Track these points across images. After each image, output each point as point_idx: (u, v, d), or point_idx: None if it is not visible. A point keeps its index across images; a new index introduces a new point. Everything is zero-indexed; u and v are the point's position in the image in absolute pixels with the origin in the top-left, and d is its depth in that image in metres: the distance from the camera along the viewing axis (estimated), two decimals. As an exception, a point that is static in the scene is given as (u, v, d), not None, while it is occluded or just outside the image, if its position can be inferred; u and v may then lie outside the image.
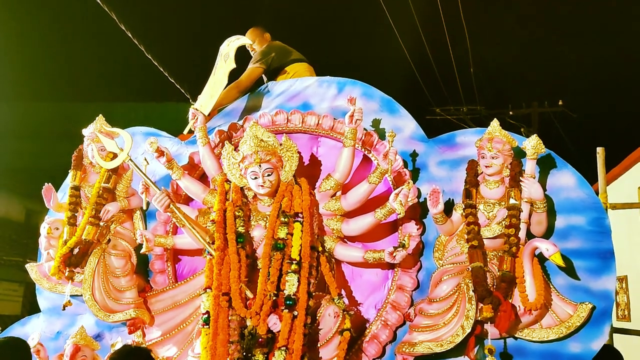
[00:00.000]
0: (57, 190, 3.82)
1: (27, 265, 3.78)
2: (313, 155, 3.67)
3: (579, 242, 3.23)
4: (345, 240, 3.41)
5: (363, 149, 3.55)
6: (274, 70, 4.02)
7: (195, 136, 3.57)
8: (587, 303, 3.10)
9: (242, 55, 3.73)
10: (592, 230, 3.23)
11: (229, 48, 3.71)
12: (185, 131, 3.75)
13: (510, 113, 12.26)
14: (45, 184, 3.68)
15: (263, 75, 4.02)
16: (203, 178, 3.65)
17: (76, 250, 3.47)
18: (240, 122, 3.75)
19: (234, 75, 3.78)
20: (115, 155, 3.34)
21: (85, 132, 3.64)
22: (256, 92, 3.90)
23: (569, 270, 3.18)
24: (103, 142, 3.35)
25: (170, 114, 4.58)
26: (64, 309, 3.44)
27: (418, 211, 3.41)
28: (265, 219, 3.27)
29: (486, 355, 3.02)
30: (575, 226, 3.25)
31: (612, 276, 3.18)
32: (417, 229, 3.35)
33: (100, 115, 3.66)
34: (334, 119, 3.61)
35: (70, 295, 3.50)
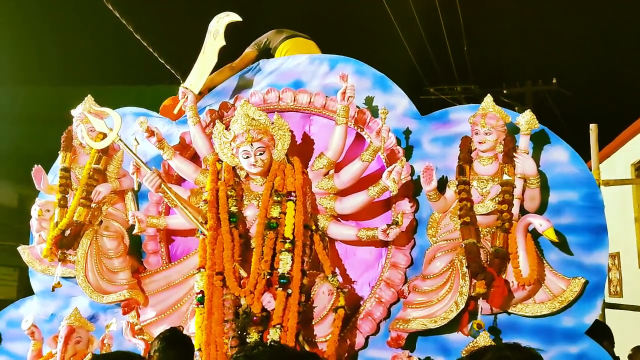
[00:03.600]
0: (47, 172, 3.79)
1: (19, 248, 3.76)
2: (305, 134, 3.66)
3: (572, 218, 3.24)
4: (338, 218, 3.41)
5: (356, 127, 3.54)
6: (268, 53, 4.01)
7: (186, 116, 3.56)
8: (580, 278, 3.12)
9: (233, 33, 3.69)
10: (585, 205, 3.24)
11: (218, 25, 3.68)
12: (175, 110, 3.71)
13: (505, 92, 12.24)
14: (35, 165, 3.65)
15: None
16: (195, 158, 3.63)
17: (68, 232, 3.46)
18: (232, 101, 3.72)
19: (224, 55, 3.75)
20: (105, 136, 3.32)
21: (74, 112, 3.61)
22: (247, 70, 3.88)
23: (562, 245, 3.19)
24: (92, 122, 3.33)
25: (162, 95, 4.54)
26: (53, 290, 3.45)
27: (411, 188, 3.41)
28: (257, 198, 3.28)
29: (478, 330, 3.05)
30: (569, 202, 3.25)
31: (605, 251, 3.20)
32: (411, 207, 3.36)
33: (89, 95, 3.63)
34: (326, 96, 3.59)
35: (64, 277, 3.50)
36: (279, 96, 3.64)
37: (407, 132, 3.53)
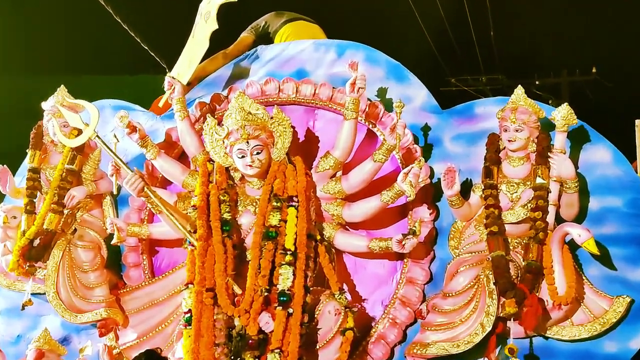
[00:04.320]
0: (14, 174, 3.82)
1: (-20, 260, 3.77)
2: (309, 130, 3.67)
3: (616, 227, 3.23)
4: (347, 227, 3.43)
5: (367, 122, 3.55)
6: (267, 38, 4.06)
7: (172, 109, 3.56)
8: (624, 296, 3.10)
9: (226, 15, 3.70)
10: (630, 212, 3.23)
11: (209, 6, 3.69)
12: (161, 103, 3.73)
13: (537, 83, 12.19)
14: (0, 165, 3.67)
15: None
16: (182, 158, 3.65)
17: (37, 242, 3.48)
18: (225, 93, 3.73)
19: (216, 40, 3.77)
20: (80, 132, 3.31)
21: (45, 105, 3.62)
22: (243, 58, 3.90)
23: (604, 259, 3.18)
24: (66, 116, 3.33)
25: (145, 86, 4.56)
26: (23, 309, 3.46)
27: (431, 193, 3.43)
28: (254, 203, 3.28)
29: (508, 356, 3.04)
30: (611, 208, 3.25)
31: (654, 266, 3.20)
32: (430, 214, 3.37)
33: (62, 86, 3.65)
34: (333, 87, 3.60)
35: (31, 294, 3.50)
36: (279, 87, 3.65)
37: (426, 129, 3.54)
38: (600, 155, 3.31)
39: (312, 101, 3.64)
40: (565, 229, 3.10)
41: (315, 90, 3.62)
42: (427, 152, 3.49)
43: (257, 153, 3.22)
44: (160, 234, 3.51)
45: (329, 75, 3.69)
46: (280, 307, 3.05)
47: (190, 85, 3.78)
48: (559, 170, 3.17)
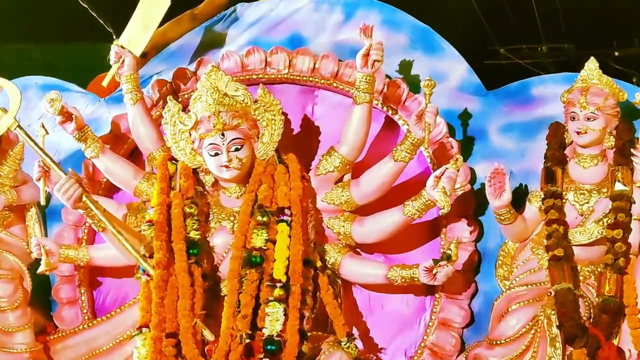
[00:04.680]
0: None
1: None
2: (307, 118, 3.68)
3: None
4: (358, 250, 3.44)
5: (385, 108, 3.55)
6: None
7: (120, 90, 3.57)
8: None
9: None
10: None
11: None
12: (105, 82, 3.70)
13: (616, 54, 12.13)
14: None
15: None
16: (134, 155, 3.68)
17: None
18: (192, 67, 3.74)
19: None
20: (-6, 120, 3.32)
21: (-53, 85, 3.62)
22: (217, 20, 3.91)
23: None
24: (-27, 99, 3.34)
25: (84, 59, 4.54)
26: None
27: (471, 204, 3.45)
28: (232, 218, 3.29)
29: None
30: None
31: None
32: (470, 232, 3.40)
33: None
34: (339, 60, 3.61)
35: None
36: (266, 59, 3.65)
37: (466, 116, 3.56)
38: None
39: (311, 79, 3.64)
40: (655, 254, 3.13)
41: (315, 63, 3.62)
42: (466, 147, 3.50)
43: (236, 149, 3.22)
44: (104, 260, 3.52)
45: (333, 44, 3.69)
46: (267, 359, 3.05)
47: (145, 57, 3.81)
48: (646, 172, 3.19)
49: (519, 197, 3.38)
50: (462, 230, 3.38)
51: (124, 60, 3.50)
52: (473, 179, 3.45)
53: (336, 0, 3.78)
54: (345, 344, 3.17)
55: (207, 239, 3.28)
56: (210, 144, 3.22)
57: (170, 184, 3.31)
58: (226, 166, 3.22)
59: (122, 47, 3.55)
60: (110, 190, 3.68)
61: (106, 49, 3.66)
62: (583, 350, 3.02)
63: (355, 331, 3.41)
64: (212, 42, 3.84)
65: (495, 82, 3.67)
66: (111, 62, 3.56)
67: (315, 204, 3.37)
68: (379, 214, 3.35)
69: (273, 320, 3.09)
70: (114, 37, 3.91)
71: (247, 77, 3.63)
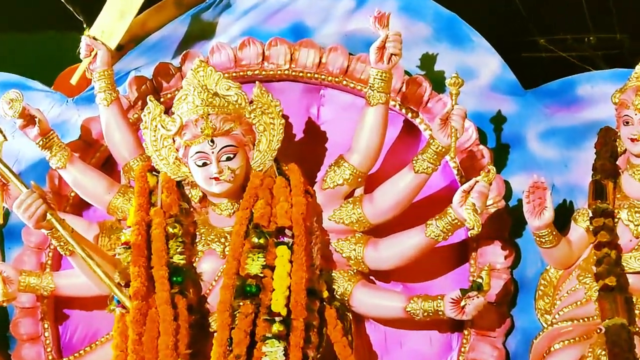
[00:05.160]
0: None
1: None
2: (311, 122, 3.70)
3: None
4: (372, 277, 3.44)
5: (404, 110, 3.56)
6: None
7: (92, 88, 3.57)
8: None
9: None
10: None
11: None
12: (75, 79, 3.72)
13: (678, 47, 12.19)
14: None
15: None
16: (108, 166, 3.70)
17: None
18: (176, 62, 3.75)
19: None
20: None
21: None
22: (205, 6, 3.91)
23: None
24: None
25: (49, 51, 4.56)
26: None
27: (506, 224, 3.44)
28: (223, 239, 3.30)
29: None
30: None
31: None
32: (505, 257, 3.39)
33: None
34: (350, 54, 3.62)
35: None
36: (264, 53, 3.66)
37: (499, 120, 3.56)
38: None
39: (317, 75, 3.65)
40: None
41: (320, 58, 3.63)
42: (500, 157, 3.50)
43: (228, 158, 3.20)
44: (71, 289, 3.51)
45: (342, 35, 3.71)
46: (264, 409, 3.05)
47: (121, 50, 3.81)
48: None
49: (563, 216, 3.38)
50: (495, 254, 3.37)
51: (96, 54, 3.49)
52: (508, 194, 3.45)
53: (345, -15, 3.81)
54: (357, 390, 3.19)
55: (194, 264, 3.27)
56: (198, 152, 3.21)
57: (150, 199, 3.30)
58: (216, 178, 3.20)
59: (94, 38, 3.54)
60: (80, 207, 3.68)
61: (75, 40, 3.65)
62: (640, 398, 3.02)
63: (369, 374, 3.41)
64: (200, 33, 3.85)
65: (534, 80, 3.67)
66: (81, 56, 3.55)
67: (322, 223, 3.37)
68: (396, 235, 3.34)
69: (271, 360, 3.09)
70: (85, 26, 3.88)
71: (242, 73, 3.64)
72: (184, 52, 3.75)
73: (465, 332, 3.42)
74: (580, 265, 3.34)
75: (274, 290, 3.13)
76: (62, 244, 3.17)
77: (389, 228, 3.37)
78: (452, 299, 3.12)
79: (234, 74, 3.57)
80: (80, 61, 3.59)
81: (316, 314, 3.20)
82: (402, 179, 3.29)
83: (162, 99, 3.58)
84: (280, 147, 3.32)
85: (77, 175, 3.46)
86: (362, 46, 3.52)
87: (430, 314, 3.21)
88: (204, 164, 3.20)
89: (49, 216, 3.11)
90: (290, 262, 3.16)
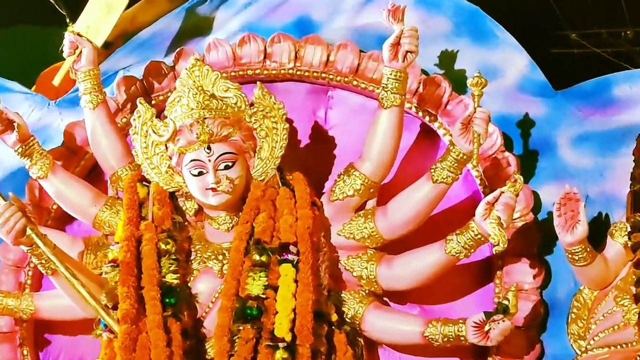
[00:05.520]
0: None
1: None
2: (318, 126, 3.71)
3: None
4: (385, 299, 3.46)
5: (421, 113, 3.56)
6: None
7: (76, 90, 3.58)
8: None
9: None
10: None
11: None
12: (57, 80, 3.76)
13: None
14: None
15: None
16: (94, 175, 3.71)
17: None
18: (169, 60, 3.75)
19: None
20: None
21: None
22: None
23: None
24: None
25: (29, 48, 4.58)
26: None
27: (536, 239, 3.43)
28: (221, 256, 3.31)
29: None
30: None
31: None
32: (534, 277, 3.39)
33: None
34: (361, 51, 3.62)
35: None
36: (265, 50, 3.67)
37: (527, 124, 3.56)
38: None
39: (324, 75, 3.66)
40: None
41: (328, 55, 3.63)
42: (528, 165, 3.50)
43: (227, 167, 3.23)
44: (53, 311, 3.53)
45: (352, 30, 3.71)
46: None
47: (109, 48, 3.83)
48: None
49: (598, 230, 3.37)
50: (522, 273, 3.37)
51: (81, 52, 3.50)
52: (537, 206, 3.44)
53: (357, -26, 3.82)
54: None
55: (189, 284, 3.29)
56: (193, 160, 3.23)
57: (141, 212, 3.33)
58: (213, 189, 3.21)
59: (78, 34, 3.55)
60: (63, 221, 3.70)
61: (58, 37, 3.66)
62: None
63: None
64: (196, 28, 3.86)
65: (566, 79, 3.66)
66: (65, 54, 3.56)
67: (330, 238, 3.38)
68: (413, 252, 3.34)
69: (274, 392, 3.10)
70: (69, 21, 3.90)
71: (241, 73, 3.65)
72: (178, 49, 3.75)
73: (491, 359, 3.42)
74: (617, 285, 3.32)
75: (277, 313, 3.14)
76: (43, 261, 3.19)
77: (405, 244, 3.37)
78: (475, 322, 3.12)
79: (232, 74, 3.58)
80: (64, 60, 3.62)
81: (324, 339, 3.21)
82: (419, 190, 3.30)
83: (153, 102, 3.58)
84: (284, 154, 3.33)
85: (59, 185, 3.47)
86: (375, 42, 3.53)
87: (451, 340, 3.21)
88: (200, 173, 3.22)
89: (28, 231, 3.12)
90: (295, 281, 3.17)
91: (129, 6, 3.81)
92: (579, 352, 3.35)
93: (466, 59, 3.63)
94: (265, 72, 3.67)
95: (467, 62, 3.61)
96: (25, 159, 3.43)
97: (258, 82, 3.44)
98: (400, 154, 3.42)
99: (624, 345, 3.23)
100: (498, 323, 3.10)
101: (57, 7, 4.42)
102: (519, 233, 3.32)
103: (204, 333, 3.26)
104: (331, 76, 3.65)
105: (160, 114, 3.36)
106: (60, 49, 3.60)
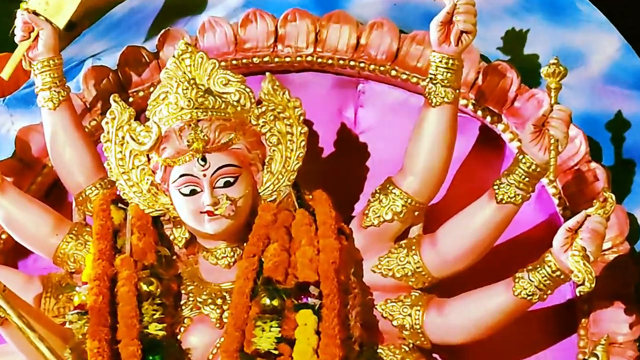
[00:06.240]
0: None
1: None
2: (346, 129, 3.74)
3: None
4: (435, 355, 3.50)
5: (480, 112, 3.55)
6: None
7: (32, 84, 3.60)
8: None
9: None
10: None
11: None
12: (6, 73, 3.68)
13: None
14: None
15: None
16: (55, 195, 3.75)
17: None
18: (152, 46, 3.76)
19: None
20: None
21: None
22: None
23: None
24: None
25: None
26: None
27: (632, 276, 3.39)
28: (221, 300, 3.32)
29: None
30: None
31: None
32: (631, 326, 3.34)
33: None
34: (401, 32, 3.60)
35: None
36: (276, 31, 3.65)
37: (620, 126, 3.53)
38: None
39: (353, 63, 3.63)
40: None
41: (358, 38, 3.61)
42: (622, 179, 3.46)
43: (227, 184, 3.22)
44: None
45: (389, 4, 3.69)
46: None
47: (74, 30, 3.82)
48: None
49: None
50: (616, 322, 3.31)
51: (37, 35, 3.49)
52: (633, 233, 3.38)
53: None
54: None
55: (178, 337, 3.30)
56: (183, 175, 3.22)
57: (116, 243, 3.33)
58: (210, 213, 3.20)
59: (34, 12, 3.52)
60: (14, 254, 3.72)
61: (7, 16, 3.67)
62: None
63: None
64: (186, 4, 3.84)
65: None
66: (16, 39, 3.55)
67: (362, 276, 3.36)
68: (471, 294, 3.31)
69: None
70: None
71: (245, 61, 3.63)
72: (163, 31, 3.75)
73: None
74: None
75: (293, 375, 3.16)
76: (-8, 309, 3.23)
77: (460, 284, 3.35)
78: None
79: (234, 62, 3.58)
80: (15, 46, 3.58)
81: (353, 412, 3.24)
82: (479, 213, 3.25)
83: (131, 99, 3.60)
84: (301, 166, 3.32)
85: (9, 208, 3.48)
86: (419, 20, 3.53)
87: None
88: (193, 192, 3.22)
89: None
90: (317, 333, 3.14)
91: (100, -24, 3.84)
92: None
93: (539, 41, 3.60)
94: (277, 59, 3.66)
95: (541, 45, 3.59)
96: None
97: (267, 73, 3.41)
98: (453, 165, 3.39)
99: None
100: (584, 390, 3.11)
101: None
102: (611, 268, 3.28)
103: (200, 403, 3.28)
104: (362, 64, 3.62)
105: (140, 116, 3.37)
106: (10, 31, 3.59)
